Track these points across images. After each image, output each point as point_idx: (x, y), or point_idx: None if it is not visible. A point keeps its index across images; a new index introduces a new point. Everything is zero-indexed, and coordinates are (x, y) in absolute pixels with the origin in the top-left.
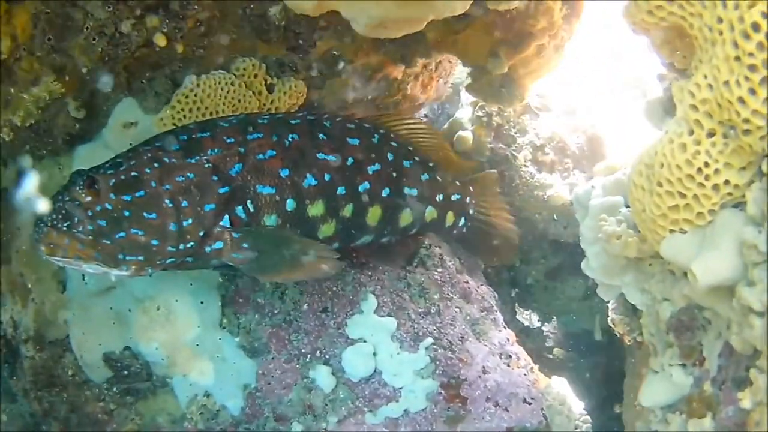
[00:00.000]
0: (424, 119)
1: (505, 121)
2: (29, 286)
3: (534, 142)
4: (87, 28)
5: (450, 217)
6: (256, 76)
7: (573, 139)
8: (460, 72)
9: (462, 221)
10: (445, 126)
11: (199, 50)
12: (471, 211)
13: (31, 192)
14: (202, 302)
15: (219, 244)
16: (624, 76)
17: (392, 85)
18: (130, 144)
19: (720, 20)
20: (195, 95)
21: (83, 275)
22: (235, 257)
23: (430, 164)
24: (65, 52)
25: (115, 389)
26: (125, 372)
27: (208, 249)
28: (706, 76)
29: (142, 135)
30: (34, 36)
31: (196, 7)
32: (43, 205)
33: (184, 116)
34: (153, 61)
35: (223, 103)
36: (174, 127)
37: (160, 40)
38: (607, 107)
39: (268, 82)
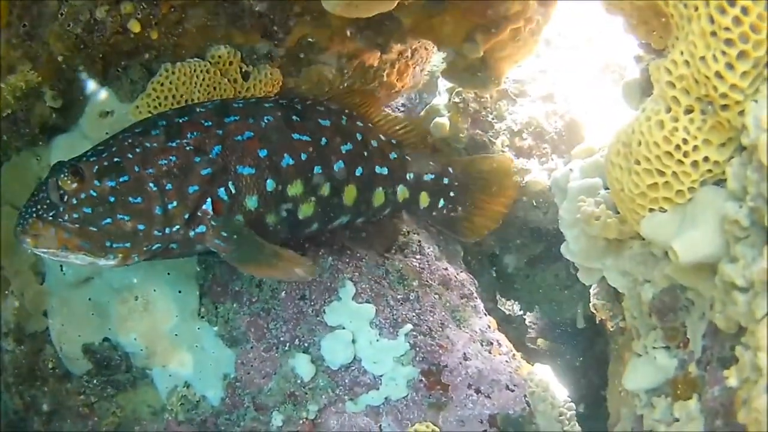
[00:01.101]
0: (401, 109)
1: (482, 107)
2: (8, 278)
3: (511, 127)
4: (62, 15)
5: (424, 198)
6: (231, 63)
7: (551, 124)
8: (437, 60)
9: (441, 203)
10: (422, 113)
11: (173, 37)
12: (452, 194)
13: (96, 88)
14: (180, 292)
15: (202, 228)
16: (601, 60)
17: (368, 72)
18: (107, 133)
19: None
20: (170, 83)
21: (61, 266)
22: (217, 243)
23: (394, 142)
24: (41, 39)
25: (95, 381)
26: (105, 364)
27: (192, 233)
28: (682, 53)
29: (119, 123)
30: (10, 23)
31: None
32: (103, 95)
33: (160, 104)
34: (128, 50)
35: (198, 91)
36: (150, 114)
37: (135, 27)
38: (584, 91)
39: (243, 70)
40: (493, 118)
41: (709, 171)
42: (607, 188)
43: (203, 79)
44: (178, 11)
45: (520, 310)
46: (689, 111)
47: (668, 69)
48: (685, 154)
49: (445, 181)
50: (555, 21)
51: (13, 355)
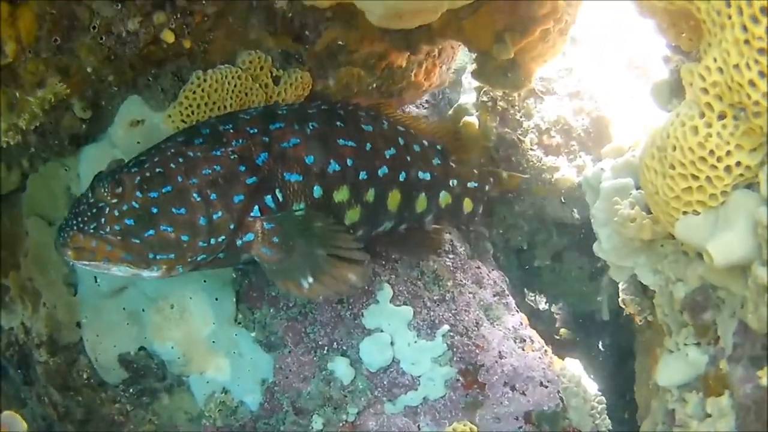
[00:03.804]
0: (425, 105)
1: (510, 106)
2: (39, 290)
3: (540, 125)
4: (94, 28)
5: (468, 204)
6: (262, 68)
7: (578, 121)
8: (461, 57)
9: (481, 209)
10: (450, 112)
11: (205, 45)
12: (487, 200)
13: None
14: (216, 299)
15: (250, 236)
16: (627, 57)
17: (396, 72)
18: (138, 142)
19: (728, 4)
20: (202, 90)
21: (95, 277)
22: (264, 252)
23: (439, 148)
24: (71, 52)
25: (131, 390)
26: (141, 373)
27: (239, 242)
28: (715, 60)
29: (150, 132)
30: (40, 37)
31: (203, 2)
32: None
33: (192, 112)
34: (158, 58)
35: (230, 97)
36: (183, 123)
37: (168, 37)
38: (610, 89)
39: (273, 74)
40: (521, 116)
41: (741, 175)
42: (638, 188)
43: (235, 85)
44: (211, 19)
45: (546, 303)
46: (722, 117)
47: (702, 75)
48: (719, 159)
49: (487, 188)
50: (580, 18)
51: (46, 366)
